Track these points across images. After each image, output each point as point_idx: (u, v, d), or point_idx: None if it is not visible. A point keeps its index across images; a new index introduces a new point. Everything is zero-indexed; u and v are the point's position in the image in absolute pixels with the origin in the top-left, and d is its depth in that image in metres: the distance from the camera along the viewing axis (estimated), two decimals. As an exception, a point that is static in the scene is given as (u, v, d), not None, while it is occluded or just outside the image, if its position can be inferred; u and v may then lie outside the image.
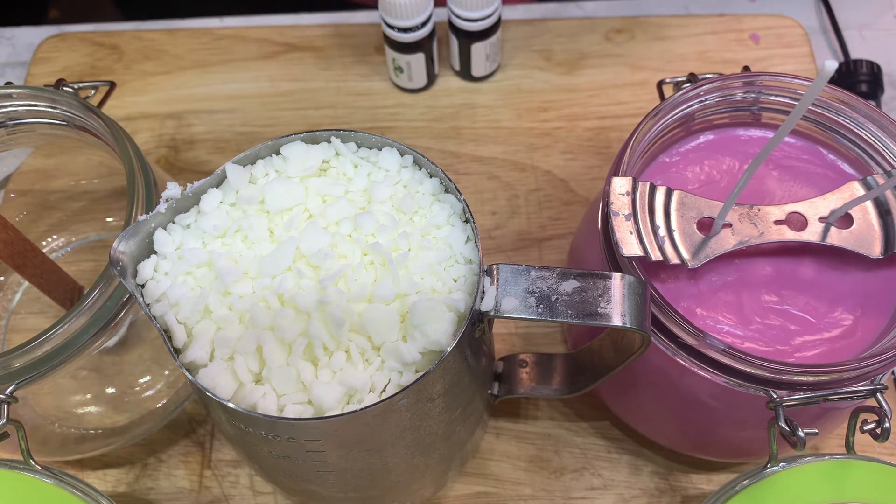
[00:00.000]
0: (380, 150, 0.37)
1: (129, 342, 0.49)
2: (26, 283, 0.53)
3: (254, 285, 0.34)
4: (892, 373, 0.50)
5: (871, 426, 0.38)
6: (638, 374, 0.42)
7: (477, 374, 0.38)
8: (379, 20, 0.57)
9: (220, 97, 0.62)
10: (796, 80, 0.42)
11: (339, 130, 0.37)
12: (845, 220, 0.40)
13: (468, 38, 0.59)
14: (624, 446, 0.50)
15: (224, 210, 0.35)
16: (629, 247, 0.38)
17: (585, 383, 0.42)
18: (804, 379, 0.36)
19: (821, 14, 0.67)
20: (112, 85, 0.48)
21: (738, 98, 0.43)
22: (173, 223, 0.35)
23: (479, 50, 0.59)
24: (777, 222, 0.40)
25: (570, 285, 0.33)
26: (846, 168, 0.43)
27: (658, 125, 0.42)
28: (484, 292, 0.33)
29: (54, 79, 0.46)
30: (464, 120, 0.61)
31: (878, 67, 0.62)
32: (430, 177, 0.37)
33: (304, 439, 0.33)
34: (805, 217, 0.40)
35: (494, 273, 0.33)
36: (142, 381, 0.50)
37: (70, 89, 0.44)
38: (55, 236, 0.55)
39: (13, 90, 0.44)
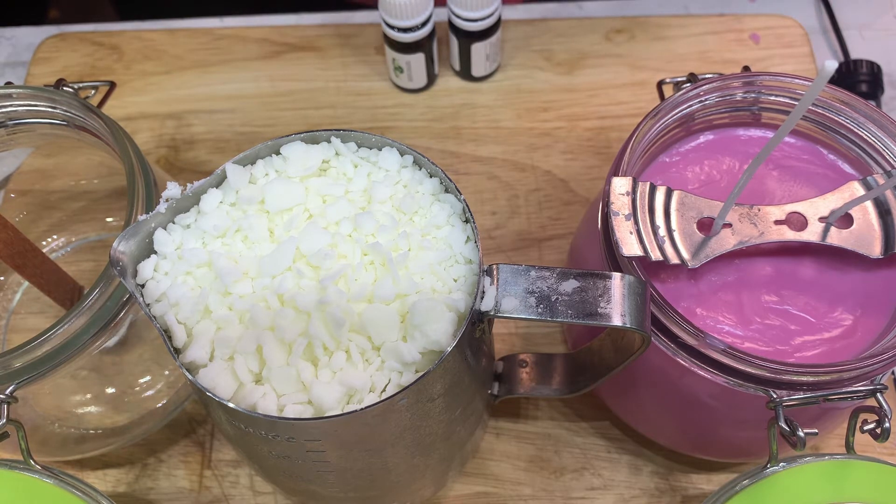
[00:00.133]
0: (380, 150, 0.37)
1: (129, 342, 0.49)
2: (26, 283, 0.53)
3: (254, 285, 0.34)
4: (892, 373, 0.50)
5: (871, 426, 0.38)
6: (638, 374, 0.42)
7: (477, 374, 0.38)
8: (379, 20, 0.57)
9: (220, 97, 0.62)
10: (796, 80, 0.42)
11: (339, 130, 0.37)
12: (845, 220, 0.40)
13: (468, 38, 0.59)
14: (624, 446, 0.50)
15: (224, 210, 0.35)
16: (629, 247, 0.38)
17: (585, 383, 0.42)
18: (804, 379, 0.36)
19: (821, 14, 0.67)
20: (112, 85, 0.48)
21: (738, 98, 0.43)
22: (173, 223, 0.35)
23: (479, 50, 0.59)
24: (777, 222, 0.40)
25: (570, 285, 0.33)
26: (846, 168, 0.43)
27: (658, 125, 0.42)
28: (484, 292, 0.33)
29: (54, 79, 0.46)
30: (464, 120, 0.61)
31: (878, 67, 0.62)
32: (430, 177, 0.37)
33: (304, 439, 0.33)
34: (805, 217, 0.40)
35: (494, 273, 0.33)
36: (142, 381, 0.50)
37: (70, 89, 0.44)
38: (55, 236, 0.55)
39: (13, 90, 0.44)
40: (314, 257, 0.34)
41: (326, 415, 0.31)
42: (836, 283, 0.40)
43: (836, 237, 0.39)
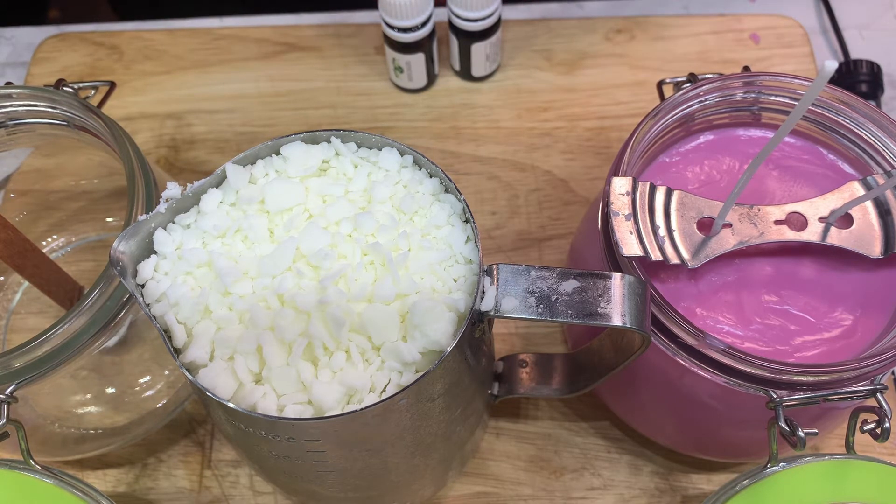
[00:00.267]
0: (380, 150, 0.37)
1: (129, 342, 0.49)
2: (26, 283, 0.53)
3: (254, 285, 0.34)
4: (892, 373, 0.50)
5: (871, 426, 0.38)
6: (638, 374, 0.42)
7: (477, 374, 0.38)
8: (379, 20, 0.57)
9: (220, 97, 0.62)
10: (796, 80, 0.42)
11: (339, 130, 0.37)
12: (845, 220, 0.40)
13: (468, 38, 0.59)
14: (624, 446, 0.50)
15: (224, 210, 0.35)
16: (629, 247, 0.38)
17: (585, 383, 0.42)
18: (804, 379, 0.36)
19: (821, 14, 0.67)
20: (112, 85, 0.48)
21: (738, 98, 0.43)
22: (173, 223, 0.35)
23: (479, 50, 0.59)
24: (777, 222, 0.40)
25: (570, 285, 0.33)
26: (846, 168, 0.43)
27: (658, 125, 0.42)
28: (484, 292, 0.33)
29: (54, 79, 0.46)
30: (464, 120, 0.61)
31: (878, 67, 0.62)
32: (430, 177, 0.37)
33: (304, 439, 0.33)
34: (805, 217, 0.40)
35: (494, 273, 0.33)
36: (142, 381, 0.50)
37: (70, 89, 0.44)
38: (55, 236, 0.55)
39: (13, 90, 0.44)
40: (314, 257, 0.34)
41: (326, 415, 0.31)
42: (836, 283, 0.40)
43: (836, 237, 0.39)
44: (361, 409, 0.31)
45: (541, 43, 0.64)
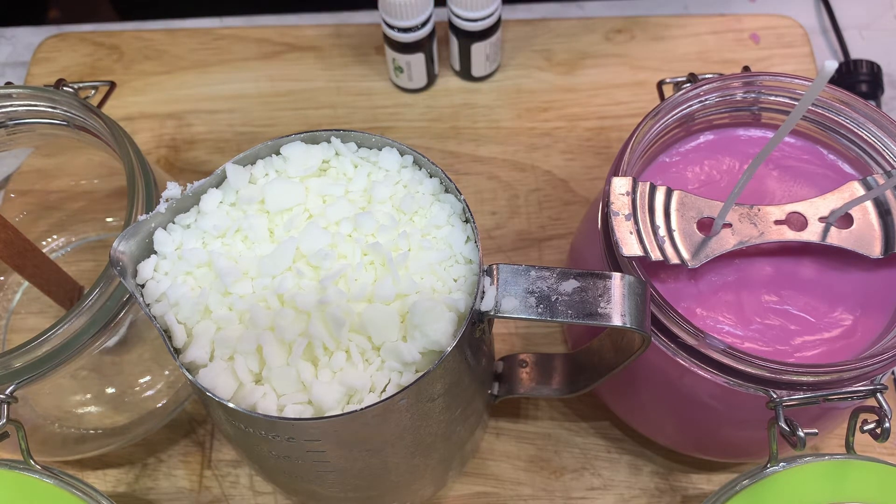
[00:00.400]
0: (380, 150, 0.37)
1: (129, 342, 0.49)
2: (26, 283, 0.53)
3: (254, 285, 0.34)
4: (892, 373, 0.50)
5: (871, 426, 0.38)
6: (638, 374, 0.42)
7: (477, 374, 0.38)
8: (379, 20, 0.57)
9: (220, 97, 0.62)
10: (796, 80, 0.42)
11: (339, 130, 0.37)
12: (845, 220, 0.40)
13: (468, 38, 0.59)
14: (624, 446, 0.50)
15: (224, 210, 0.35)
16: (629, 247, 0.38)
17: (585, 383, 0.42)
18: (804, 379, 0.36)
19: (821, 14, 0.67)
20: (112, 85, 0.48)
21: (738, 98, 0.43)
22: (173, 223, 0.35)
23: (479, 50, 0.59)
24: (777, 222, 0.40)
25: (570, 285, 0.33)
26: (846, 168, 0.43)
27: (658, 125, 0.42)
28: (484, 292, 0.33)
29: (54, 79, 0.46)
30: (464, 120, 0.61)
31: (878, 67, 0.62)
32: (430, 177, 0.37)
33: (304, 439, 0.33)
34: (805, 217, 0.40)
35: (494, 273, 0.33)
36: (142, 381, 0.50)
37: (70, 89, 0.44)
38: (55, 236, 0.55)
39: (13, 90, 0.44)
40: (314, 257, 0.34)
41: (326, 415, 0.31)
42: (836, 283, 0.40)
43: (836, 237, 0.39)
44: (361, 409, 0.31)
45: (541, 43, 0.64)
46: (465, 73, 0.62)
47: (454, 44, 0.60)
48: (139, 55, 0.64)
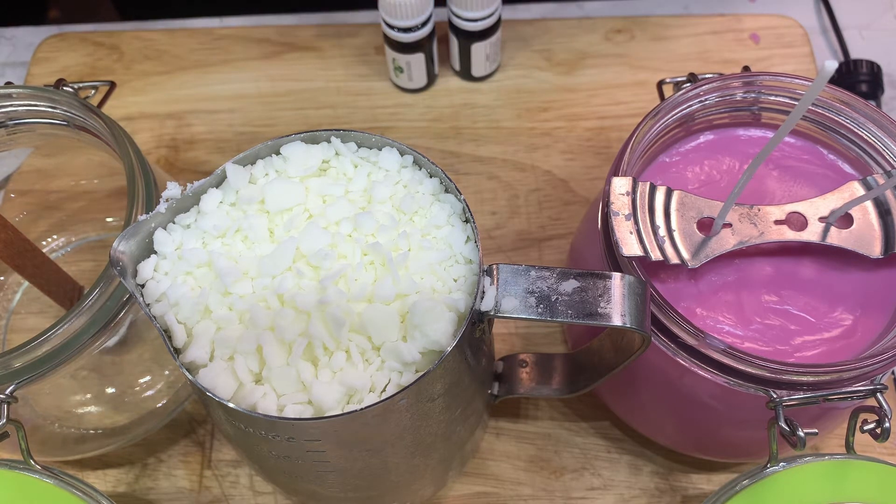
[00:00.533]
0: (380, 150, 0.37)
1: (129, 342, 0.49)
2: (26, 283, 0.53)
3: (254, 285, 0.34)
4: (892, 373, 0.50)
5: (871, 426, 0.38)
6: (638, 374, 0.42)
7: (477, 374, 0.38)
8: (379, 20, 0.57)
9: (220, 97, 0.62)
10: (796, 80, 0.42)
11: (339, 130, 0.37)
12: (845, 220, 0.40)
13: (468, 38, 0.59)
14: (624, 446, 0.50)
15: (224, 210, 0.35)
16: (629, 247, 0.38)
17: (585, 383, 0.42)
18: (804, 379, 0.36)
19: (821, 14, 0.67)
20: (112, 85, 0.48)
21: (738, 98, 0.43)
22: (173, 223, 0.35)
23: (479, 50, 0.59)
24: (777, 222, 0.40)
25: (570, 285, 0.33)
26: (846, 168, 0.43)
27: (658, 125, 0.42)
28: (484, 292, 0.33)
29: (54, 79, 0.46)
30: (464, 120, 0.61)
31: (878, 67, 0.62)
32: (430, 177, 0.37)
33: (304, 439, 0.33)
34: (805, 217, 0.40)
35: (494, 273, 0.33)
36: (142, 381, 0.50)
37: (70, 89, 0.44)
38: (55, 236, 0.55)
39: (13, 90, 0.44)
40: (314, 257, 0.34)
41: (326, 415, 0.31)
42: (836, 283, 0.40)
43: (836, 237, 0.39)
44: (361, 409, 0.31)
45: (541, 43, 0.64)
46: (465, 73, 0.62)
47: (454, 44, 0.60)
48: (139, 55, 0.64)
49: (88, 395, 0.49)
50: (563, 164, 0.59)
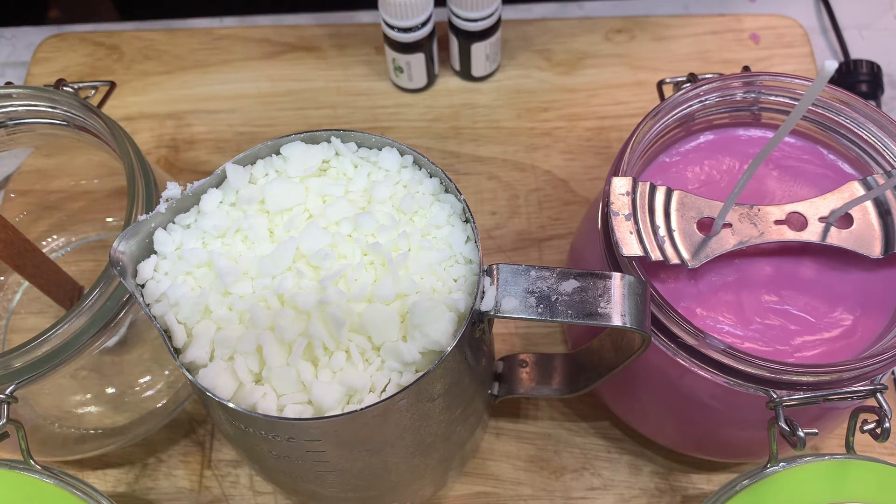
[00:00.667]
0: (380, 150, 0.37)
1: (129, 342, 0.49)
2: (26, 283, 0.53)
3: (254, 285, 0.34)
4: (892, 373, 0.50)
5: (871, 426, 0.38)
6: (638, 374, 0.42)
7: (477, 374, 0.38)
8: (379, 20, 0.57)
9: (220, 97, 0.62)
10: (796, 80, 0.42)
11: (339, 130, 0.37)
12: (845, 220, 0.40)
13: (468, 38, 0.59)
14: (624, 446, 0.50)
15: (224, 210, 0.35)
16: (629, 247, 0.38)
17: (585, 383, 0.42)
18: (804, 379, 0.36)
19: (821, 14, 0.67)
20: (112, 85, 0.48)
21: (738, 98, 0.43)
22: (173, 223, 0.35)
23: (479, 50, 0.59)
24: (777, 222, 0.40)
25: (570, 285, 0.33)
26: (846, 168, 0.43)
27: (658, 125, 0.42)
28: (484, 292, 0.33)
29: (54, 79, 0.46)
30: (464, 120, 0.61)
31: (878, 67, 0.62)
32: (430, 177, 0.37)
33: (304, 439, 0.33)
34: (805, 217, 0.40)
35: (494, 273, 0.33)
36: (142, 381, 0.50)
37: (70, 89, 0.44)
38: (55, 236, 0.55)
39: (13, 90, 0.44)
40: (314, 257, 0.34)
41: (326, 415, 0.31)
42: (836, 283, 0.40)
43: (836, 237, 0.39)
44: (361, 409, 0.31)
45: (541, 43, 0.64)
46: (465, 73, 0.62)
47: (454, 44, 0.60)
48: (139, 55, 0.64)
49: (88, 395, 0.49)
50: (563, 164, 0.59)
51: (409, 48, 0.58)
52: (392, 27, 0.57)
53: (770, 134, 0.44)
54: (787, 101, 0.43)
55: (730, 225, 0.39)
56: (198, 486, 0.49)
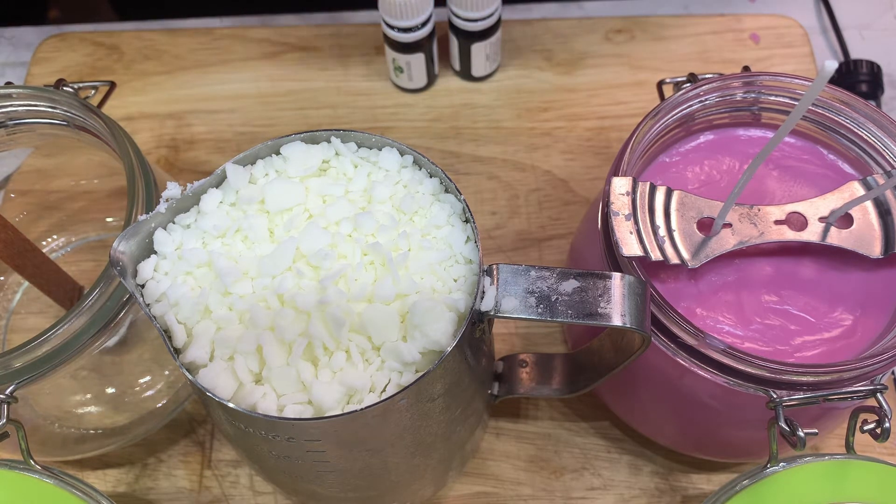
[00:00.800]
0: (380, 150, 0.37)
1: (129, 342, 0.49)
2: (26, 283, 0.53)
3: (254, 285, 0.34)
4: (892, 373, 0.50)
5: (871, 426, 0.38)
6: (638, 374, 0.42)
7: (477, 374, 0.38)
8: (379, 20, 0.57)
9: (220, 97, 0.62)
10: (796, 80, 0.42)
11: (339, 130, 0.37)
12: (845, 220, 0.40)
13: (468, 38, 0.59)
14: (624, 446, 0.50)
15: (224, 210, 0.35)
16: (629, 247, 0.38)
17: (585, 383, 0.42)
18: (804, 379, 0.36)
19: (821, 14, 0.67)
20: (112, 85, 0.48)
21: (738, 98, 0.43)
22: (173, 223, 0.35)
23: (479, 50, 0.59)
24: (777, 222, 0.40)
25: (570, 285, 0.33)
26: (846, 168, 0.43)
27: (658, 125, 0.42)
28: (484, 292, 0.33)
29: (54, 79, 0.46)
30: (464, 120, 0.61)
31: (878, 67, 0.62)
32: (430, 177, 0.37)
33: (304, 439, 0.33)
34: (805, 217, 0.40)
35: (494, 273, 0.33)
36: (142, 381, 0.50)
37: (70, 89, 0.44)
38: (55, 236, 0.55)
39: (13, 90, 0.44)
40: (314, 257, 0.34)
41: (326, 415, 0.31)
42: (836, 283, 0.40)
43: (836, 237, 0.39)
44: (361, 409, 0.31)
45: (541, 43, 0.64)
46: (465, 73, 0.62)
47: (454, 44, 0.60)
48: (139, 55, 0.64)
49: (88, 395, 0.49)
50: (563, 164, 0.59)
51: (409, 48, 0.58)
52: (392, 27, 0.57)
53: (770, 134, 0.44)
54: (787, 101, 0.43)
55: (730, 225, 0.39)
56: (198, 486, 0.49)
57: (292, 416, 0.32)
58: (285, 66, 0.64)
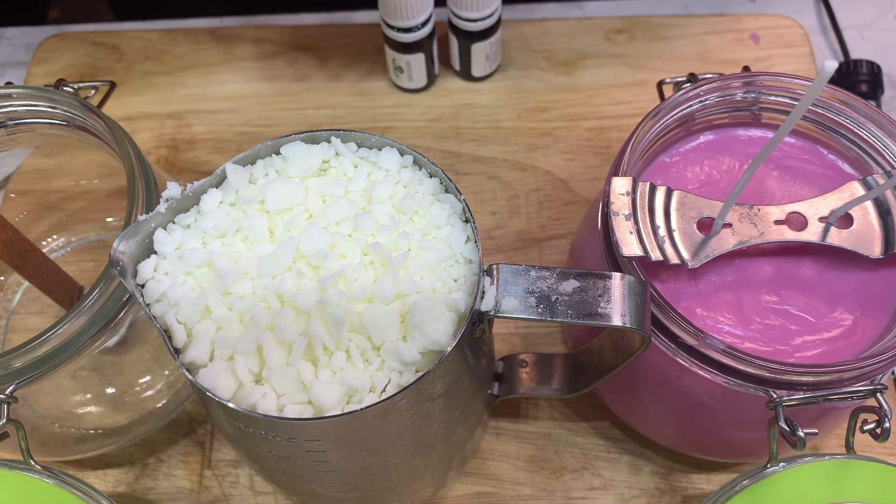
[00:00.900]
0: (380, 150, 0.37)
1: (129, 342, 0.49)
2: (26, 283, 0.53)
3: (254, 285, 0.34)
4: (892, 373, 0.50)
5: (871, 426, 0.38)
6: (638, 374, 0.42)
7: (477, 374, 0.38)
8: (379, 20, 0.57)
9: (220, 97, 0.62)
10: (796, 80, 0.42)
11: (339, 130, 0.37)
12: (845, 220, 0.40)
13: (468, 38, 0.59)
14: (624, 446, 0.50)
15: (224, 210, 0.35)
16: (629, 247, 0.38)
17: (585, 383, 0.42)
18: (804, 379, 0.36)
19: (821, 14, 0.67)
20: (112, 85, 0.48)
21: (738, 98, 0.43)
22: (173, 223, 0.35)
23: (479, 50, 0.59)
24: (777, 222, 0.40)
25: (570, 285, 0.33)
26: (846, 168, 0.43)
27: (658, 125, 0.42)
28: (484, 292, 0.33)
29: (54, 79, 0.46)
30: (464, 120, 0.61)
31: (878, 67, 0.62)
32: (430, 177, 0.37)
33: (304, 439, 0.33)
34: (805, 217, 0.40)
35: (494, 273, 0.33)
36: (142, 381, 0.50)
37: (70, 89, 0.44)
38: (55, 236, 0.55)
39: (13, 90, 0.44)
40: (314, 257, 0.34)
41: (326, 415, 0.31)
42: (836, 283, 0.40)
43: (836, 237, 0.39)
44: (361, 409, 0.31)
45: (541, 43, 0.64)
46: (465, 73, 0.62)
47: (454, 44, 0.60)
48: (139, 55, 0.64)
49: (88, 395, 0.49)
50: (563, 164, 0.59)
51: (409, 48, 0.58)
52: (392, 27, 0.57)
53: (770, 134, 0.44)
54: (787, 101, 0.43)
55: (730, 225, 0.39)
56: (198, 486, 0.49)
57: (292, 416, 0.32)
58: (285, 66, 0.64)
